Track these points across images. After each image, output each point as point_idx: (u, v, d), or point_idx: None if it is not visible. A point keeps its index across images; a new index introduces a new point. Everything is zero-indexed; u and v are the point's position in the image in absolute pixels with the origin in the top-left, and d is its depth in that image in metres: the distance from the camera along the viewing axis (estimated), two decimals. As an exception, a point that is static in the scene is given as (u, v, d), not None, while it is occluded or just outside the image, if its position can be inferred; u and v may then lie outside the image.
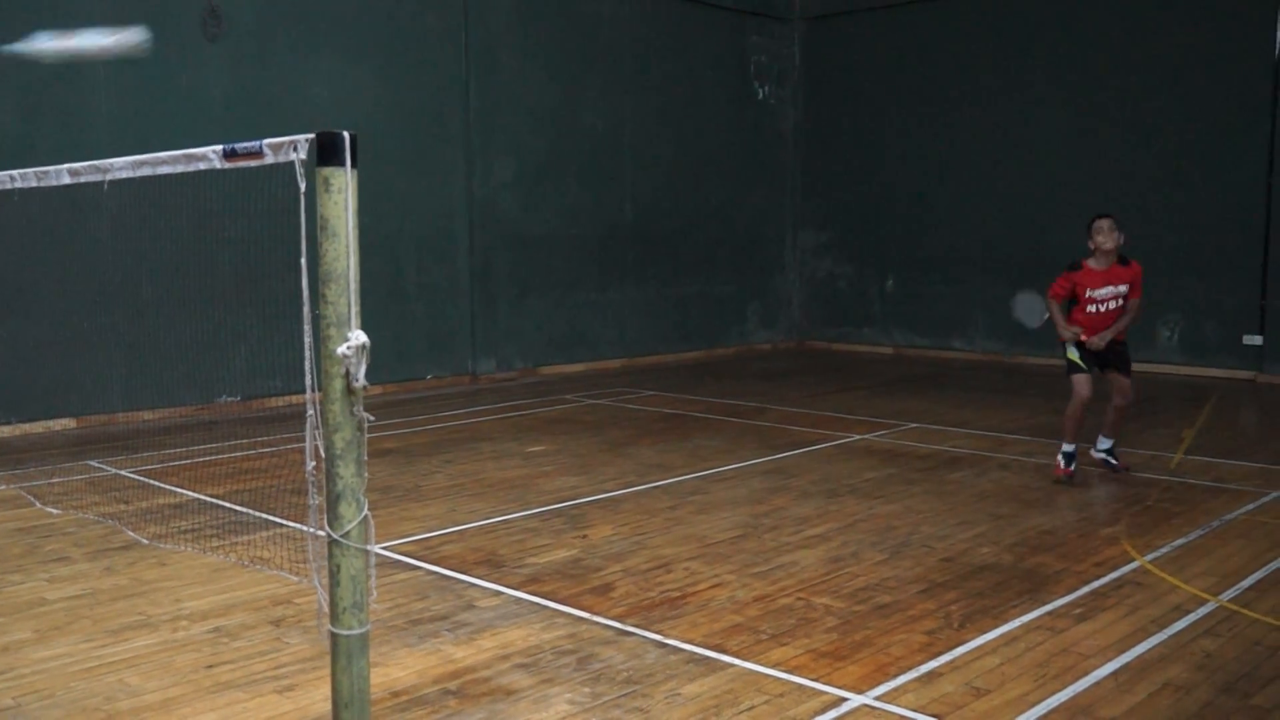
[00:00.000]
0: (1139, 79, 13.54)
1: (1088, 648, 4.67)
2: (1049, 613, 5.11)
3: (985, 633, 4.86)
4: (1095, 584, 5.52)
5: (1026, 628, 4.92)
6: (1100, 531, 6.49)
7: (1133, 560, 5.90)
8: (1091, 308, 7.64)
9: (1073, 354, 7.72)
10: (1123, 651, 4.62)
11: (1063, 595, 5.35)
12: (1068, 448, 7.74)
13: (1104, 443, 8.05)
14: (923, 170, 15.58)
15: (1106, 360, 7.77)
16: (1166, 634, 4.82)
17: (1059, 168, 14.27)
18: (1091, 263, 7.63)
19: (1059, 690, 4.23)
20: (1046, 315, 8.00)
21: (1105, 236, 7.53)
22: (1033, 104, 14.44)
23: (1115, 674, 4.39)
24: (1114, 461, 8.02)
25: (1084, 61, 13.96)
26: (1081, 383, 7.69)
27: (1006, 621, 4.99)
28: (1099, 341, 7.54)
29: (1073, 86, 14.06)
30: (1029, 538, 6.37)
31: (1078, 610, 5.14)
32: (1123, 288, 7.60)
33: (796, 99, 16.95)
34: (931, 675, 4.40)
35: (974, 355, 15.13)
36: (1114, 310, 7.61)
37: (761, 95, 16.52)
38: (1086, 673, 4.40)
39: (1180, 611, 5.10)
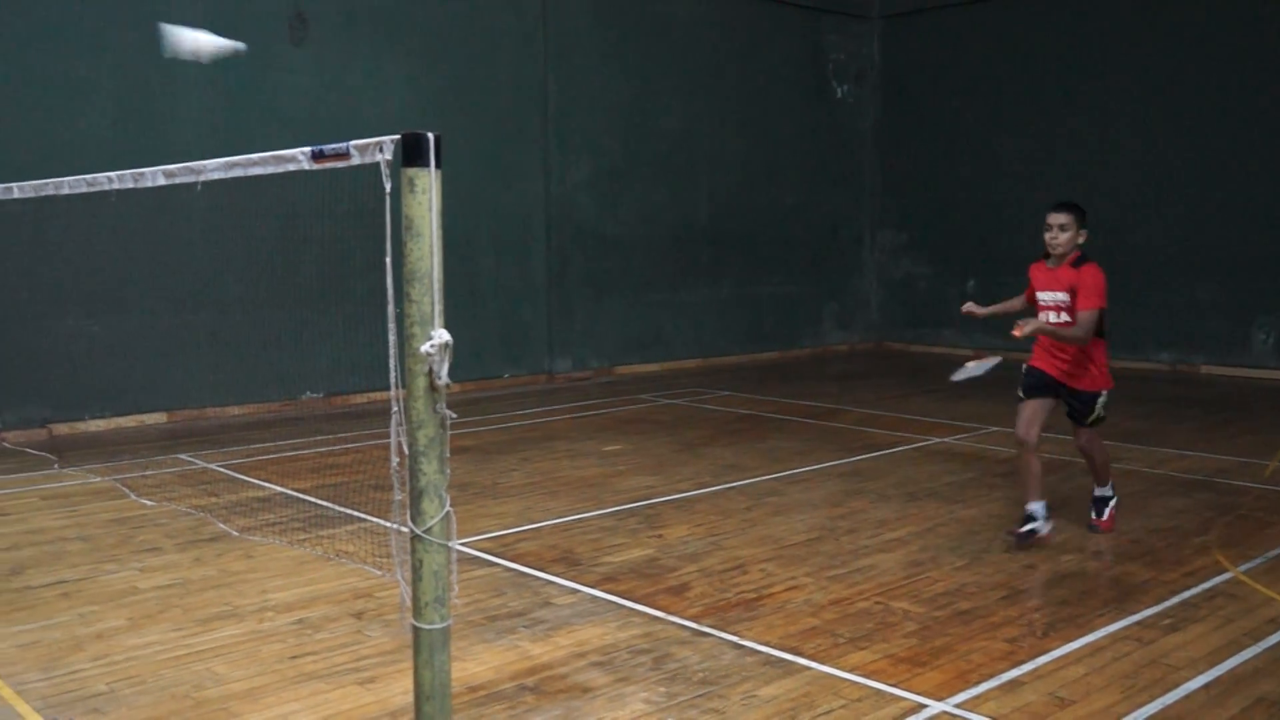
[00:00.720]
0: (1233, 75, 13.14)
1: (1178, 659, 4.54)
2: (1137, 623, 4.98)
3: (1070, 642, 4.75)
4: (1185, 594, 5.37)
5: (1113, 637, 4.80)
6: (1190, 540, 6.31)
7: (1225, 571, 5.73)
8: (1043, 314, 6.21)
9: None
10: (1214, 664, 4.49)
11: (1151, 605, 5.21)
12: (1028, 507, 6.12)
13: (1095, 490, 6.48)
14: (1004, 169, 15.30)
15: (1063, 400, 6.28)
16: (1260, 647, 4.67)
17: (1145, 166, 13.91)
18: (1048, 260, 6.24)
19: (1147, 702, 4.13)
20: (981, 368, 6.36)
21: (1052, 233, 6.09)
22: (1118, 101, 14.09)
23: (1207, 687, 4.27)
24: (1091, 516, 6.50)
25: (1171, 57, 13.58)
26: (1019, 413, 6.27)
27: (1092, 631, 4.88)
28: (1017, 334, 5.84)
29: (1159, 83, 13.70)
30: (1115, 545, 6.22)
31: (1167, 621, 5.00)
32: (1062, 295, 6.06)
33: (875, 97, 16.77)
34: (1014, 684, 4.32)
35: (1057, 358, 14.80)
36: (1057, 324, 6.08)
37: (839, 94, 16.37)
38: (1176, 685, 4.28)
39: (1275, 624, 4.93)
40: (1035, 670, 4.45)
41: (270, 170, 3.87)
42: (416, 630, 3.29)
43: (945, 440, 9.33)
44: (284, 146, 4.07)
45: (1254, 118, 13.04)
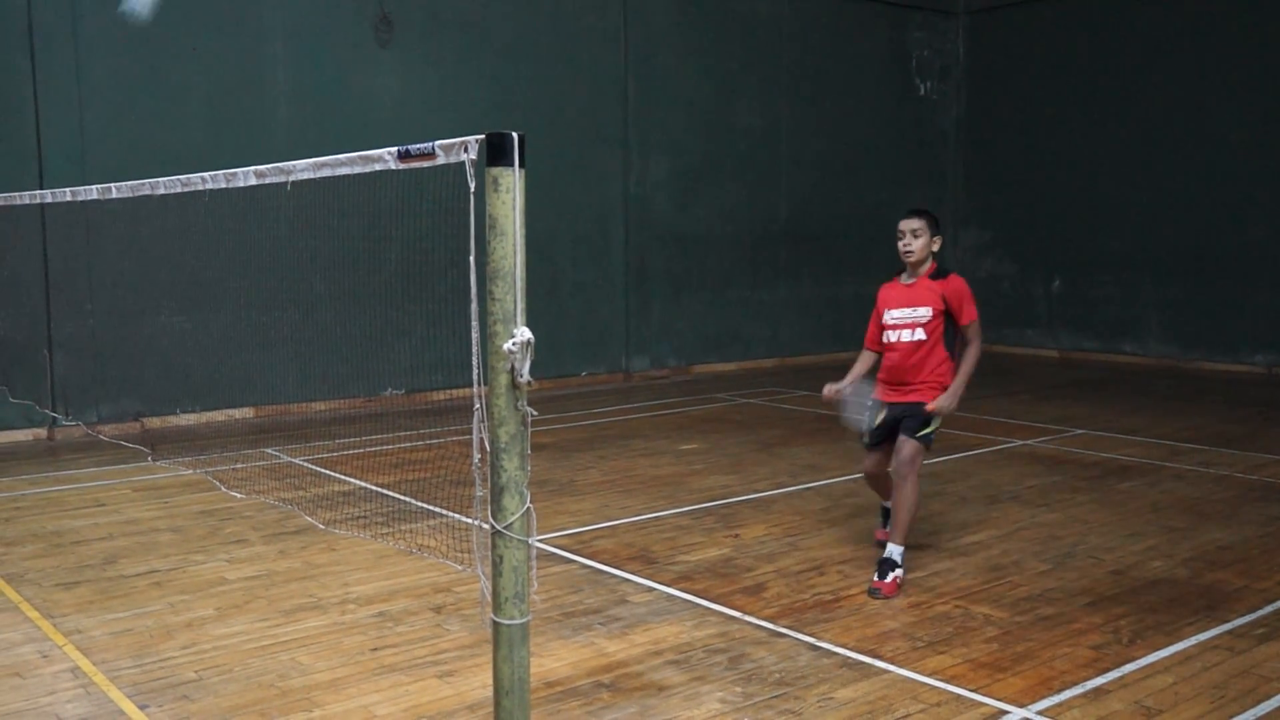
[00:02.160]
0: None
1: (1271, 670, 4.40)
2: (1228, 632, 4.84)
3: (1157, 650, 4.63)
4: (1279, 603, 5.20)
5: (1203, 646, 4.67)
6: (1285, 548, 6.11)
7: (1322, 580, 5.54)
8: (890, 334, 5.72)
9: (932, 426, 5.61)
10: (1311, 677, 4.35)
11: (1243, 614, 5.06)
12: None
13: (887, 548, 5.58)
14: (1090, 167, 14.96)
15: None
16: (1360, 660, 4.51)
17: (1236, 164, 13.48)
18: (902, 276, 5.80)
19: (1239, 713, 4.01)
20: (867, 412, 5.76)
21: (905, 240, 5.67)
22: (1207, 97, 13.68)
23: (1302, 700, 4.13)
24: (873, 579, 5.47)
25: (1263, 53, 13.15)
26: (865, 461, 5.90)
27: (1181, 639, 4.75)
28: (941, 411, 5.48)
29: (1259, 76, 13.27)
30: (1206, 552, 6.05)
31: (1260, 630, 4.85)
32: (924, 310, 5.60)
33: (959, 94, 16.52)
34: (1098, 692, 4.22)
35: (1146, 360, 14.45)
36: (910, 344, 5.62)
37: (923, 91, 16.15)
38: (1269, 696, 4.15)
39: (1376, 637, 4.76)
40: (1121, 679, 4.35)
41: (357, 170, 3.94)
42: (496, 625, 3.32)
43: (1028, 443, 9.16)
44: (370, 147, 4.14)
45: (1357, 112, 12.59)
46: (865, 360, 5.90)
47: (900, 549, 5.48)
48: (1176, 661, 4.51)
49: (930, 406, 5.51)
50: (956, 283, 5.67)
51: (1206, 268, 13.86)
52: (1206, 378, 13.17)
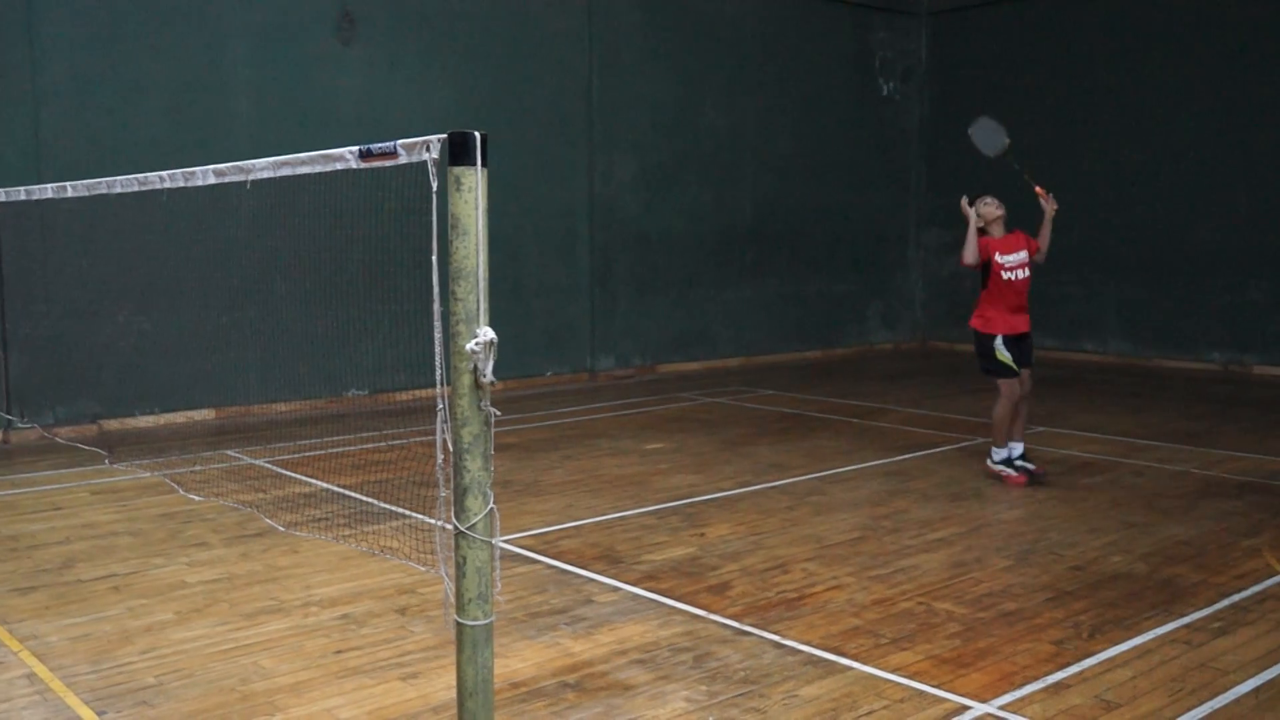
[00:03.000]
0: (1287, 69, 12.91)
1: (1227, 663, 4.47)
2: (1185, 625, 4.91)
3: (1116, 644, 4.69)
4: (1235, 597, 5.28)
5: (1161, 640, 4.74)
6: (1241, 543, 6.20)
7: (1277, 574, 5.63)
8: (1006, 275, 7.66)
9: (1003, 354, 7.69)
10: (1265, 668, 4.41)
11: (1200, 608, 5.13)
12: (1011, 451, 7.74)
13: (1018, 448, 7.82)
14: (1052, 167, 15.07)
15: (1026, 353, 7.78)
16: (1314, 652, 4.58)
17: (1197, 165, 13.69)
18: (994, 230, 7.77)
19: (1195, 706, 4.07)
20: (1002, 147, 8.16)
21: (997, 207, 7.78)
22: (1168, 98, 13.88)
23: (1256, 691, 4.20)
24: (1032, 466, 7.77)
25: (1226, 55, 13.35)
26: (1021, 381, 7.73)
27: (1140, 633, 4.82)
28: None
29: (1214, 80, 13.47)
30: (1164, 547, 6.13)
31: (1216, 624, 4.93)
32: (1024, 254, 7.71)
33: (922, 95, 16.64)
34: (1059, 686, 4.27)
35: (1105, 357, 14.63)
36: (1026, 280, 7.74)
37: (886, 91, 16.26)
38: (1225, 689, 4.21)
39: (1329, 629, 4.85)
40: (1081, 673, 4.40)
41: (318, 169, 3.91)
42: (460, 626, 3.31)
43: (991, 440, 9.23)
44: (332, 146, 4.11)
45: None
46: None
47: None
48: (1135, 655, 4.57)
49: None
50: (1020, 233, 7.86)
51: (1165, 267, 14.05)
52: (1165, 375, 13.36)
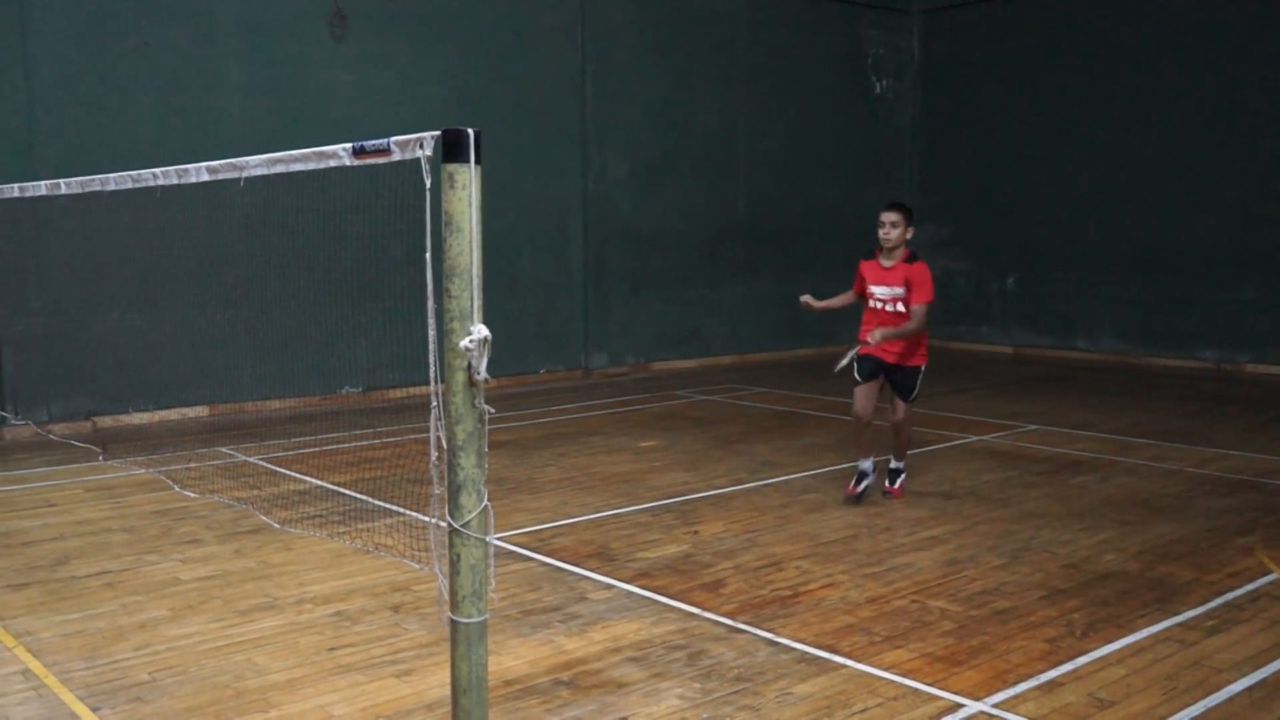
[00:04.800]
0: (1273, 69, 12.95)
1: (1220, 661, 4.49)
2: (1179, 624, 4.92)
3: (1110, 642, 4.70)
4: (1229, 595, 5.30)
5: (1155, 638, 4.75)
6: (1234, 541, 6.22)
7: (1270, 572, 5.65)
8: (875, 302, 6.94)
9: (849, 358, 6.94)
10: (1258, 666, 4.42)
11: (1194, 606, 5.15)
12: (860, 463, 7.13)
13: (866, 462, 7.13)
14: (1044, 165, 15.15)
15: (892, 379, 7.01)
16: (1305, 650, 4.60)
17: (1190, 163, 13.71)
18: (880, 258, 6.94)
19: (1189, 704, 4.08)
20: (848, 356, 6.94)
21: (885, 230, 6.81)
22: (1159, 96, 13.90)
23: (1250, 689, 4.21)
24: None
25: (1217, 52, 13.38)
26: (856, 395, 6.98)
27: (1133, 631, 4.83)
28: (873, 341, 6.69)
29: (1205, 78, 13.50)
30: (1157, 545, 6.15)
31: (1210, 622, 4.94)
32: (899, 289, 6.79)
33: (914, 93, 16.65)
34: (1052, 684, 4.28)
35: (1098, 356, 14.66)
36: (893, 314, 6.83)
37: (879, 89, 16.27)
38: (1219, 687, 4.22)
39: (1321, 627, 4.86)
40: (1075, 671, 4.41)
41: (311, 166, 3.90)
42: (454, 624, 3.31)
43: (984, 438, 9.26)
44: (325, 143, 4.10)
45: (1302, 112, 12.84)
46: (847, 296, 7.28)
47: (903, 462, 7.25)
48: (1129, 653, 4.59)
49: (869, 337, 6.71)
50: (919, 269, 6.78)
51: (1157, 265, 14.09)
52: (1157, 373, 13.39)
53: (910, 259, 6.81)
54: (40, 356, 9.71)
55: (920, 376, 7.00)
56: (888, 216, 6.82)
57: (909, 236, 6.83)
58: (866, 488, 7.09)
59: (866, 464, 7.11)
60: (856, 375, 6.92)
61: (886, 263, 6.87)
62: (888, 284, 6.83)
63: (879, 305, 6.89)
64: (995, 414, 10.46)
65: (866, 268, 6.99)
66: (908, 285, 6.75)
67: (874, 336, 6.62)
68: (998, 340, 15.81)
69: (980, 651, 4.62)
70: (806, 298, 7.06)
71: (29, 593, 5.44)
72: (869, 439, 7.07)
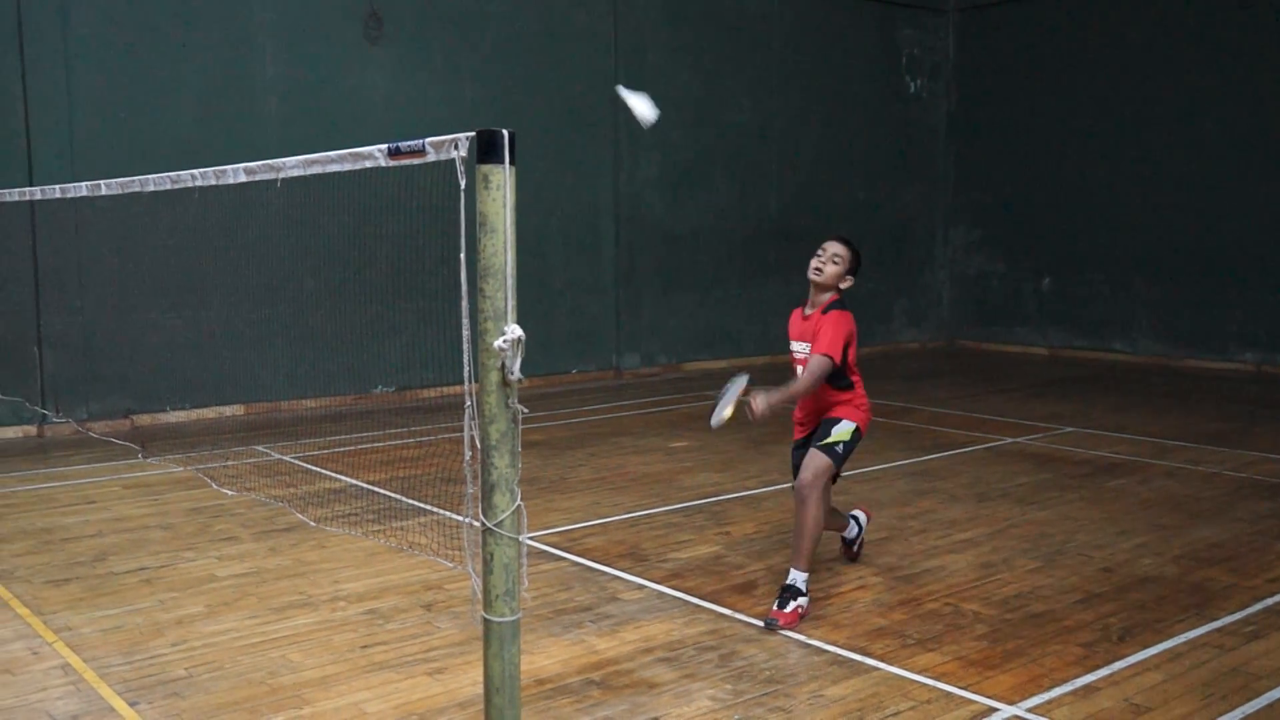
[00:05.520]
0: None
1: (1260, 668, 4.42)
2: (1217, 629, 4.86)
3: (1147, 648, 4.65)
4: (1269, 601, 5.22)
5: (1192, 644, 4.69)
6: (1274, 546, 6.13)
7: (1310, 577, 5.57)
8: (796, 365, 5.35)
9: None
10: (1298, 673, 4.36)
11: (1233, 612, 5.08)
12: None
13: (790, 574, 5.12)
14: (1081, 165, 15.00)
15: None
16: (1348, 657, 4.53)
17: (1226, 162, 13.53)
18: (805, 307, 5.36)
19: (1227, 711, 4.02)
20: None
21: (821, 260, 5.19)
22: (1197, 95, 13.73)
23: (1290, 697, 4.15)
24: (772, 609, 5.03)
25: (1259, 48, 13.20)
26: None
27: (1170, 637, 4.77)
28: (755, 417, 5.08)
29: (1248, 74, 13.31)
30: (1196, 550, 6.07)
31: (1249, 628, 4.87)
32: (809, 345, 5.19)
33: (950, 92, 16.54)
34: (1088, 689, 4.24)
35: (1135, 357, 14.50)
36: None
37: (913, 89, 16.18)
38: (1258, 694, 4.17)
39: (1363, 634, 4.78)
40: (1110, 676, 4.36)
41: (347, 167, 3.93)
42: (487, 623, 3.32)
43: (1019, 440, 9.18)
44: (360, 144, 4.13)
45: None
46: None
47: (804, 575, 5.04)
48: (1166, 659, 4.53)
49: (748, 397, 5.05)
50: (829, 320, 5.12)
51: (1196, 265, 13.91)
52: (1196, 375, 13.22)
53: (828, 308, 5.17)
54: (80, 355, 9.84)
55: (842, 428, 5.20)
56: (830, 246, 5.21)
57: (844, 286, 5.20)
58: (857, 536, 5.84)
59: (850, 532, 5.81)
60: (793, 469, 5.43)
61: (808, 310, 5.30)
62: (802, 338, 5.28)
63: (795, 365, 5.33)
64: (1030, 416, 10.36)
65: (792, 320, 5.43)
66: (814, 338, 5.14)
67: (760, 404, 5.04)
68: (1033, 341, 15.67)
69: (1014, 655, 4.58)
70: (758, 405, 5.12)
71: (69, 588, 5.52)
72: (830, 521, 5.55)
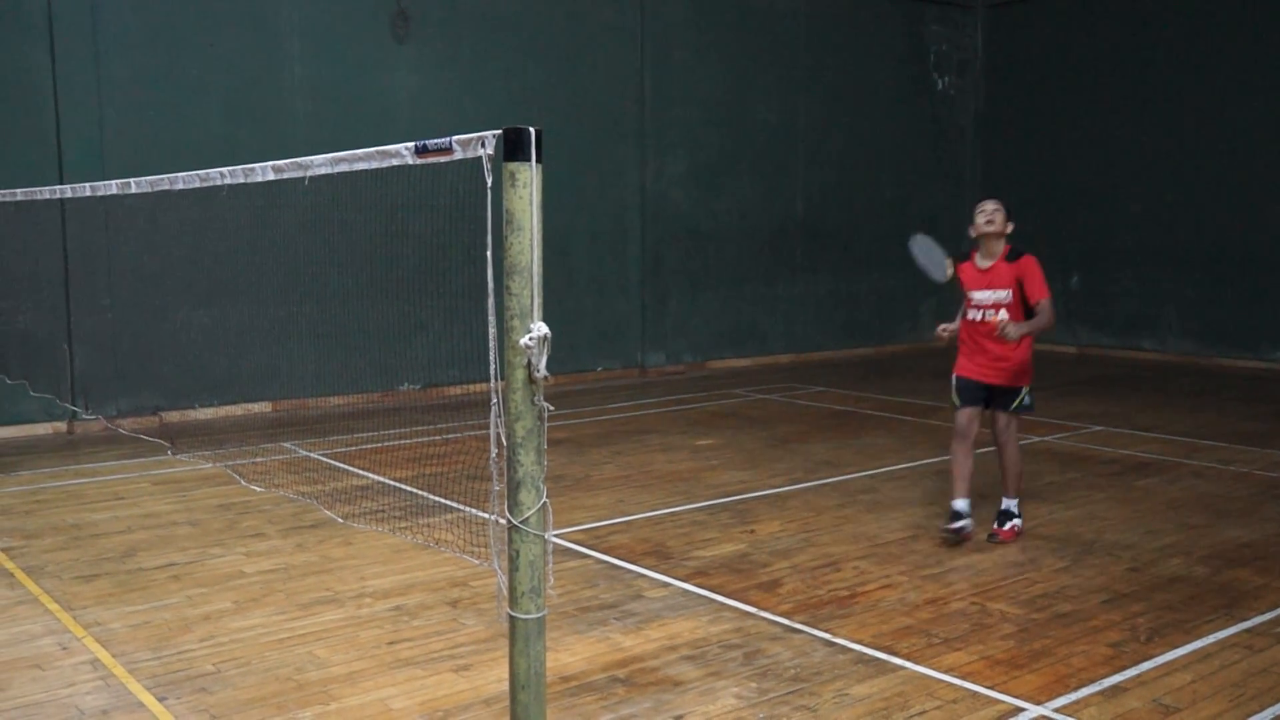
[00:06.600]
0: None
1: (1290, 670, 4.38)
2: (1247, 630, 4.82)
3: (1175, 648, 4.61)
4: (1299, 602, 5.17)
5: (1221, 645, 4.65)
6: (1305, 546, 6.07)
7: (1343, 579, 5.50)
8: (973, 313, 6.16)
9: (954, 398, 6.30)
10: (1330, 676, 4.32)
11: (1263, 612, 5.03)
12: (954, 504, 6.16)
13: (1003, 502, 6.34)
14: (1110, 162, 14.87)
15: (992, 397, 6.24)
16: (1381, 659, 4.47)
17: (1256, 159, 13.38)
18: (977, 259, 6.18)
19: (1257, 712, 3.99)
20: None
21: (986, 217, 6.07)
22: (1227, 91, 13.58)
23: (1322, 699, 4.11)
24: (993, 528, 6.24)
25: (1294, 44, 13.05)
26: (957, 419, 6.25)
27: (1199, 637, 4.73)
28: (1010, 336, 5.84)
29: (1272, 73, 13.16)
30: (1225, 550, 6.01)
31: (1279, 629, 4.82)
32: (1003, 292, 6.02)
33: (977, 89, 16.44)
34: (1116, 689, 4.21)
35: (1165, 356, 14.36)
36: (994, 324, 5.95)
37: (941, 86, 16.09)
38: (1289, 696, 4.13)
39: (1397, 636, 4.72)
40: (1139, 676, 4.33)
41: (374, 165, 3.94)
42: (513, 619, 3.33)
43: (1046, 439, 9.12)
44: (387, 142, 4.14)
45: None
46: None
47: (1015, 500, 6.26)
48: (1195, 659, 4.49)
49: (1001, 326, 5.83)
50: (1030, 264, 6.03)
51: (1226, 263, 13.76)
52: (1226, 374, 13.08)
53: (1013, 255, 6.03)
54: (110, 352, 9.94)
55: (1021, 394, 6.21)
56: (988, 204, 6.12)
57: (1008, 231, 6.08)
58: (963, 528, 6.09)
59: (962, 503, 6.14)
60: (955, 400, 6.25)
61: (984, 263, 6.10)
62: (990, 287, 6.05)
63: (977, 316, 6.11)
64: (1059, 414, 10.29)
65: (965, 271, 6.20)
66: (1019, 283, 5.97)
67: (1005, 331, 5.77)
68: (1062, 340, 15.55)
69: (1041, 655, 4.55)
70: (943, 327, 6.22)
71: (98, 584, 5.57)
72: (970, 473, 6.22)
